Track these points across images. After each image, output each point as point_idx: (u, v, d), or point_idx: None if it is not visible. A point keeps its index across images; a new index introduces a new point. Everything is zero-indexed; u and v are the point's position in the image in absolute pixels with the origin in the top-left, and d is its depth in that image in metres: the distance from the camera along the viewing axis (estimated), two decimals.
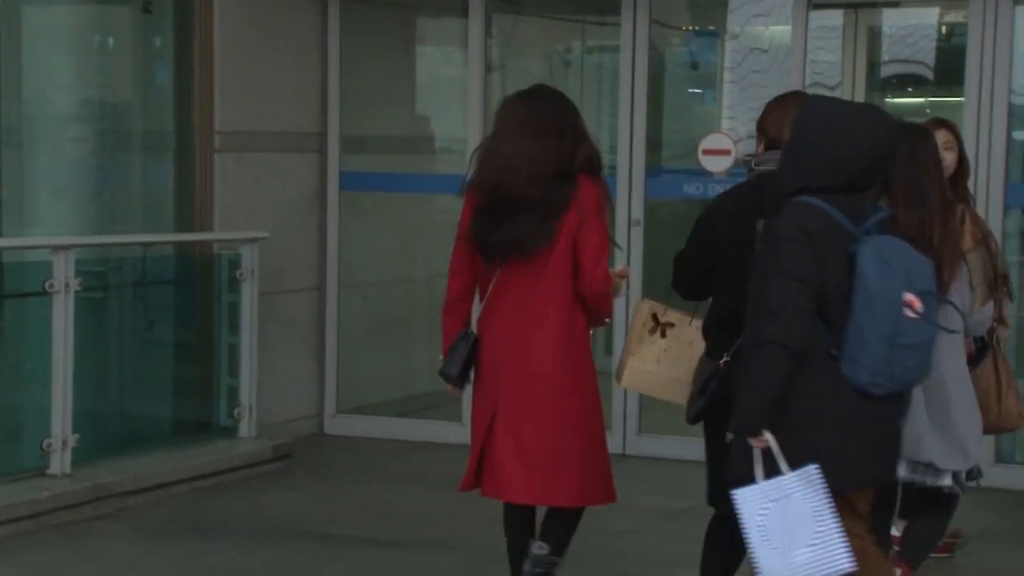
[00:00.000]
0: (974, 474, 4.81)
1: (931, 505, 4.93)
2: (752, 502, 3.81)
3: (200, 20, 7.43)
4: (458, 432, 7.89)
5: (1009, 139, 6.91)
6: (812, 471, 3.78)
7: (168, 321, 7.65)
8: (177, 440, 7.36)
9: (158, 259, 7.50)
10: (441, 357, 4.81)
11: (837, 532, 3.78)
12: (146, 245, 7.38)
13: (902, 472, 4.55)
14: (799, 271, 3.79)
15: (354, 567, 5.85)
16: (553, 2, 8.91)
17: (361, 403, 8.28)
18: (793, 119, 4.00)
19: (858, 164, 3.89)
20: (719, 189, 7.52)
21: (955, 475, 4.70)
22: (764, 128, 4.45)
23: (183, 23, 7.56)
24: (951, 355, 4.61)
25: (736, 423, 3.89)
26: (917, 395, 4.39)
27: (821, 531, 3.77)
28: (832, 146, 3.87)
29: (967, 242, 4.62)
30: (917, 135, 4.62)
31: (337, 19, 8.02)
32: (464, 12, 7.87)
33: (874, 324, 3.76)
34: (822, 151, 3.88)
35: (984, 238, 4.69)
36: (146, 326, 7.52)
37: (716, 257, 4.40)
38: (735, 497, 3.85)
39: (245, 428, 7.41)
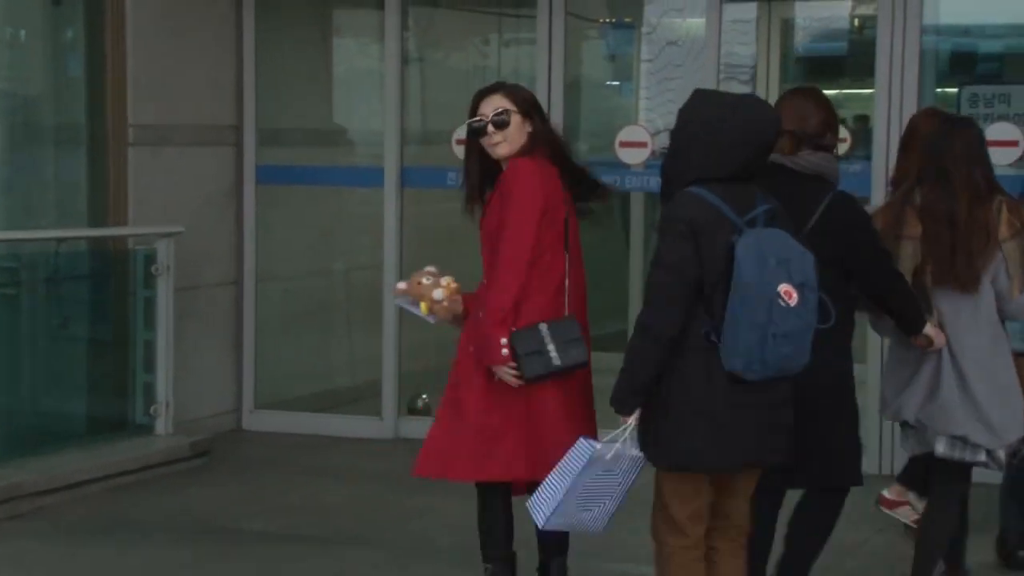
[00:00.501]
0: (1019, 454, 4.92)
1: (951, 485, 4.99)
2: (586, 458, 4.13)
3: (112, 11, 7.38)
4: (376, 427, 7.99)
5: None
6: (640, 460, 4.15)
7: (83, 317, 7.61)
8: (93, 438, 7.31)
9: (72, 255, 7.43)
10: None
11: (612, 514, 4.28)
12: (59, 240, 7.29)
13: (940, 448, 4.78)
14: (676, 261, 3.98)
15: (272, 563, 5.87)
16: None
17: (279, 398, 8.28)
18: (679, 111, 4.16)
19: (740, 153, 4.06)
20: (636, 181, 7.69)
21: (990, 453, 4.80)
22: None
23: (94, 14, 7.50)
24: (964, 333, 4.75)
25: (611, 401, 4.11)
26: (945, 370, 4.70)
27: (608, 508, 4.25)
28: (716, 137, 4.04)
29: (1003, 231, 4.74)
30: (954, 124, 4.92)
31: (252, 11, 8.00)
32: (381, 4, 7.87)
33: (748, 312, 3.93)
34: (706, 142, 4.04)
35: (1022, 227, 4.80)
36: (60, 323, 7.47)
37: None
38: (577, 444, 4.17)
39: (162, 425, 7.39)
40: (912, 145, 5.20)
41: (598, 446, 4.13)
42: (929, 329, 4.73)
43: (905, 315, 4.72)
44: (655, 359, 4.01)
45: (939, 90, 7.97)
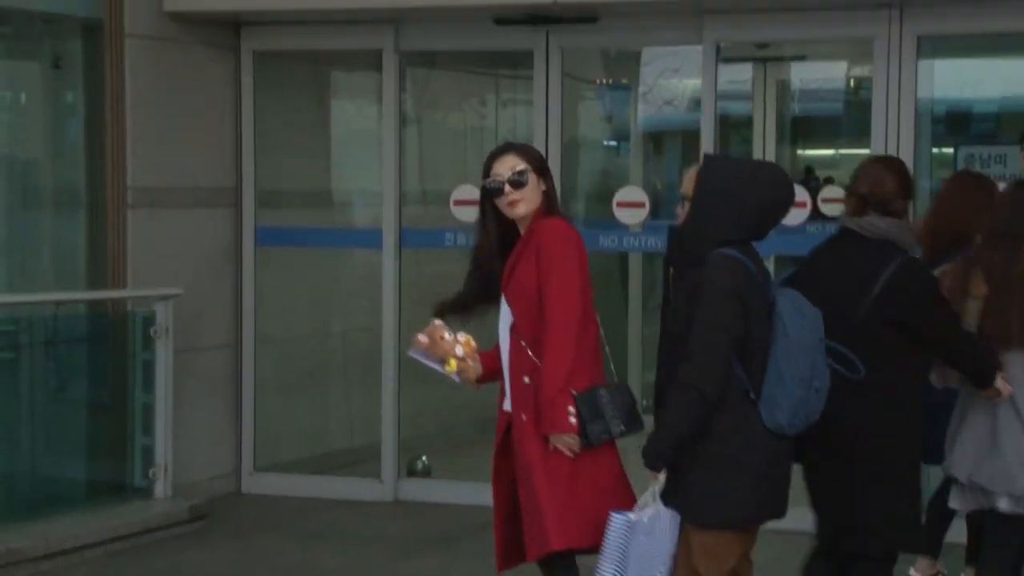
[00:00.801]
0: None
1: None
2: (625, 531, 4.16)
3: (111, 75, 7.44)
4: (376, 489, 7.98)
5: (915, 191, 7.03)
6: (677, 516, 4.17)
7: (81, 380, 7.62)
8: (91, 502, 7.32)
9: (70, 317, 7.46)
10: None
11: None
12: (58, 303, 7.33)
13: (1003, 505, 4.91)
14: (724, 321, 4.10)
15: None
16: (467, 56, 8.95)
17: (278, 461, 8.28)
18: (698, 177, 4.31)
19: (762, 217, 4.24)
20: (634, 242, 7.73)
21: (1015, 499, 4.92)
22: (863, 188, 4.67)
23: (93, 78, 7.57)
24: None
25: (643, 454, 4.17)
26: (1005, 424, 4.85)
27: (663, 572, 4.20)
28: (739, 202, 4.20)
29: None
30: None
31: (251, 73, 8.07)
32: (378, 66, 7.93)
33: (793, 367, 4.09)
34: (730, 207, 4.19)
35: None
36: (58, 386, 7.49)
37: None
38: (612, 521, 4.19)
39: (160, 488, 7.40)
40: (948, 207, 5.43)
41: (632, 515, 4.18)
42: (999, 382, 4.85)
43: (975, 373, 4.85)
44: (698, 416, 4.10)
45: (935, 150, 8.05)
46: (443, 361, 4.62)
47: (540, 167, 4.65)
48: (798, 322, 4.11)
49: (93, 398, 7.62)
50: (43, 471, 7.37)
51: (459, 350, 4.62)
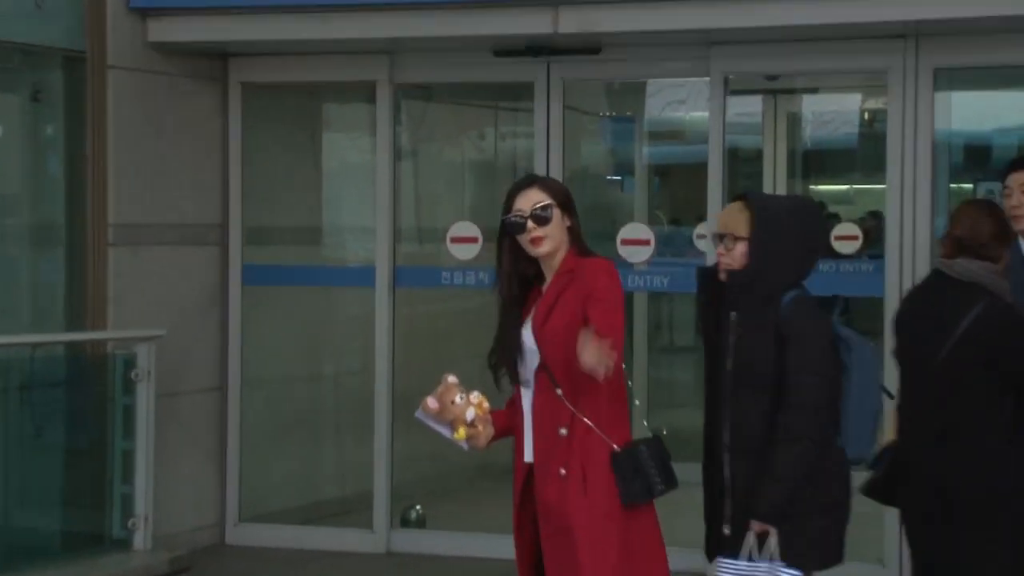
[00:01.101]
0: None
1: None
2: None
3: (93, 107, 7.37)
4: (368, 540, 7.90)
5: (933, 228, 6.98)
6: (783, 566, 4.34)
7: (58, 426, 7.51)
8: (68, 553, 7.24)
9: (48, 360, 7.38)
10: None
11: None
12: (35, 345, 7.26)
13: None
14: (827, 367, 4.32)
15: None
16: (464, 88, 8.93)
17: (265, 510, 8.19)
18: (755, 215, 4.41)
19: (815, 253, 4.50)
20: (639, 281, 7.63)
21: None
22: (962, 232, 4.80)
23: (75, 110, 7.52)
24: None
25: (763, 512, 4.32)
26: None
27: None
28: (805, 239, 4.43)
29: None
30: None
31: (239, 105, 8.03)
32: (372, 97, 7.89)
33: (868, 401, 4.39)
34: (794, 244, 4.40)
35: None
36: (35, 432, 7.37)
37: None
38: (721, 567, 4.41)
39: (140, 539, 7.30)
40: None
41: (741, 563, 4.33)
42: None
43: None
44: (810, 463, 4.29)
45: (953, 185, 7.99)
46: (452, 426, 4.40)
47: (564, 201, 4.49)
48: (867, 355, 4.36)
49: (71, 444, 7.51)
50: (18, 521, 7.27)
51: (470, 414, 4.37)
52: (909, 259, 7.01)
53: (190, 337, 7.82)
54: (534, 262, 4.48)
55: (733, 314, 4.45)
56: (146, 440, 7.30)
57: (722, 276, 4.50)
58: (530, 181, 4.54)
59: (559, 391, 4.34)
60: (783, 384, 4.31)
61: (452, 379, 4.42)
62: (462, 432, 4.36)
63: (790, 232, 4.37)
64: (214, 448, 8.05)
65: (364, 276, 7.98)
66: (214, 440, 8.05)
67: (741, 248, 4.42)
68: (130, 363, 7.30)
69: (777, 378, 4.32)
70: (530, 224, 4.39)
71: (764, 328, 4.34)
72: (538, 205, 4.41)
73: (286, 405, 8.52)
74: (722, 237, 4.48)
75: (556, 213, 4.43)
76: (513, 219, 4.43)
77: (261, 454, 8.21)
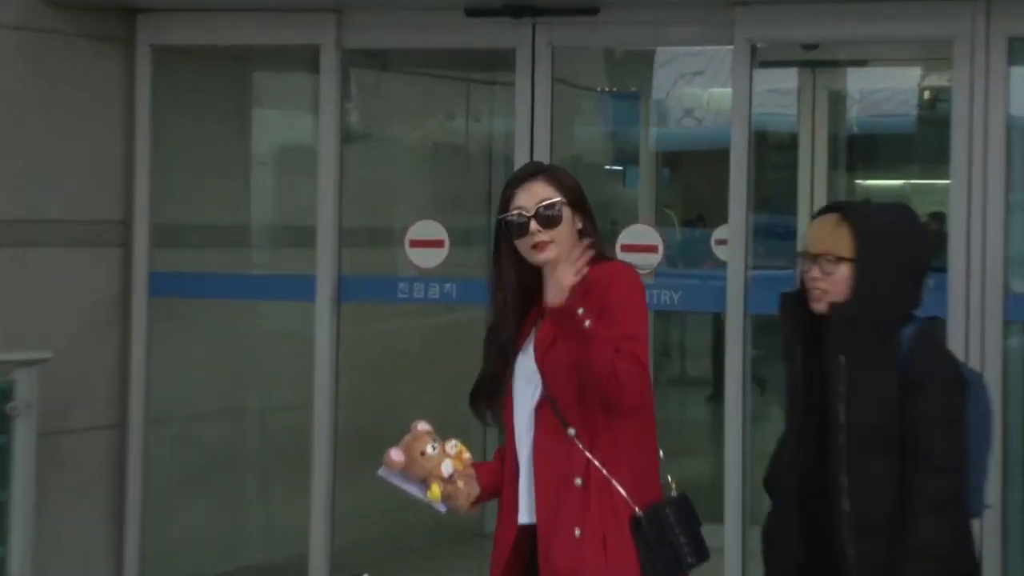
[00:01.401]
0: None
1: None
2: None
3: None
4: None
5: (1007, 236, 6.88)
6: None
7: None
8: None
9: None
10: None
11: None
12: None
13: None
14: (963, 415, 4.36)
15: None
16: (429, 55, 8.88)
17: None
18: (859, 233, 4.43)
19: (926, 275, 4.52)
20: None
21: None
22: None
23: None
24: None
25: None
26: None
27: None
28: (917, 259, 4.49)
29: None
30: None
31: (148, 77, 7.87)
32: (315, 66, 7.74)
33: (988, 445, 4.53)
34: (911, 268, 4.47)
35: None
36: None
37: None
38: None
39: None
40: None
41: None
42: None
43: None
44: (961, 535, 4.35)
45: None
46: (425, 484, 4.35)
47: (575, 198, 4.44)
48: (985, 396, 4.49)
49: None
50: None
51: (446, 467, 4.35)
52: (978, 272, 6.83)
53: (83, 361, 7.65)
54: (536, 272, 4.39)
55: (842, 357, 4.38)
56: (24, 490, 7.09)
57: (819, 307, 4.45)
58: (534, 171, 4.49)
59: (571, 431, 4.31)
60: (912, 438, 4.33)
61: (423, 426, 4.37)
62: (436, 490, 4.33)
63: (903, 251, 4.39)
64: (110, 500, 7.89)
65: (302, 288, 7.81)
66: (110, 490, 7.88)
67: (844, 272, 4.39)
68: (6, 393, 7.06)
69: (904, 432, 4.33)
70: (533, 226, 4.36)
71: (885, 373, 4.33)
72: (544, 202, 4.38)
73: (201, 447, 8.41)
74: (816, 258, 4.43)
75: (566, 212, 4.40)
76: (513, 219, 4.39)
77: (169, 508, 8.02)
